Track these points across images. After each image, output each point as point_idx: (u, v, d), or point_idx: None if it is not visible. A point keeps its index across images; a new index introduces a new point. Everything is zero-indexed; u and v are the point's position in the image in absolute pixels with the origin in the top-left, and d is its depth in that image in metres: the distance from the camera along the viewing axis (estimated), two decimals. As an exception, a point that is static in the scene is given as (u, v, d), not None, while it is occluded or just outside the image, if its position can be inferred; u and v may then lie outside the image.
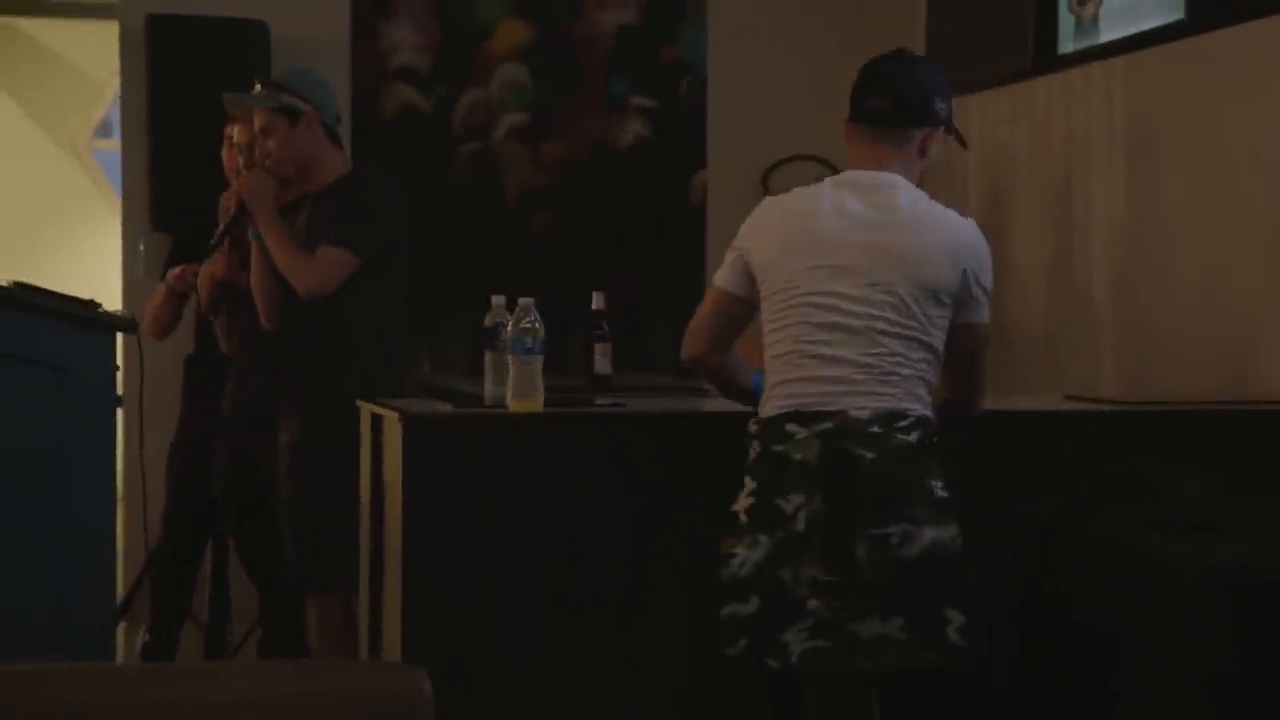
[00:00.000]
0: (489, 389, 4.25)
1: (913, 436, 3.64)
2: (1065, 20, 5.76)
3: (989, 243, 3.87)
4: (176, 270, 5.46)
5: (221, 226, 5.01)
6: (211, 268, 5.20)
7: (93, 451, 4.26)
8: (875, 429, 3.62)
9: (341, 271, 4.79)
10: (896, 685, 3.75)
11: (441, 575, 4.09)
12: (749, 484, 3.69)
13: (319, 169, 4.96)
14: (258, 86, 5.03)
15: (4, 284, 4.42)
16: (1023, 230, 5.94)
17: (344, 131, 6.34)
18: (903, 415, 3.65)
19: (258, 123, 4.96)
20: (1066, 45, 5.75)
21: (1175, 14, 5.14)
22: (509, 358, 4.12)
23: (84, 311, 4.34)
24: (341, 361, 4.83)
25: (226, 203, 5.02)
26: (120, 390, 4.54)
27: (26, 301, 4.29)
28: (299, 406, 4.88)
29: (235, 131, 5.35)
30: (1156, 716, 3.82)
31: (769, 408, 3.73)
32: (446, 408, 4.33)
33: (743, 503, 3.69)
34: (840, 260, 3.73)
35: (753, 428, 3.74)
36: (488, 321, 4.28)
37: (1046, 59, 5.82)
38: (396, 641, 4.16)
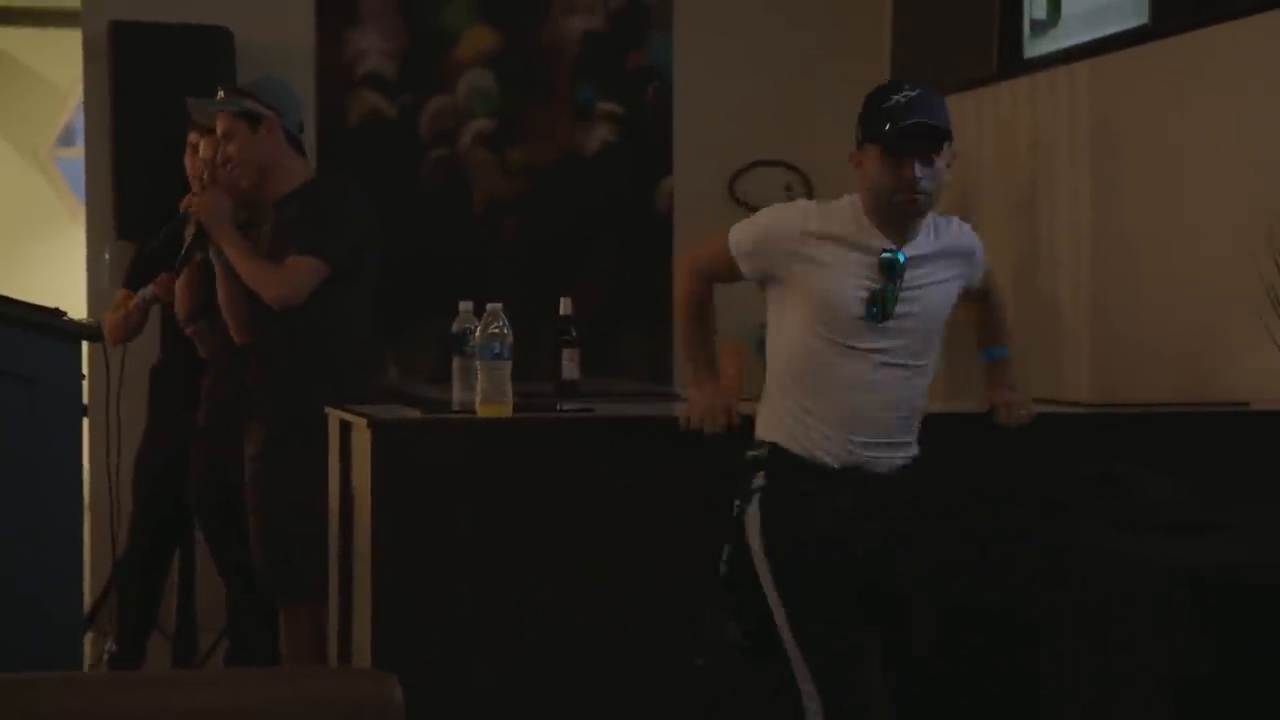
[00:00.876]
0: (457, 394, 4.25)
1: None
2: (1030, 24, 5.79)
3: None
4: (158, 282, 5.44)
5: (187, 242, 5.00)
6: (184, 280, 5.20)
7: (60, 460, 4.25)
8: None
9: (312, 279, 4.77)
10: None
11: (411, 581, 4.08)
12: None
13: (280, 175, 4.93)
14: (221, 92, 5.03)
15: (-33, 293, 4.41)
16: (989, 235, 5.93)
17: (310, 138, 6.34)
18: None
19: (220, 127, 4.95)
20: (1031, 49, 5.77)
21: (1139, 18, 5.16)
22: (477, 363, 4.12)
23: (49, 320, 4.33)
24: (310, 369, 4.82)
25: (183, 207, 5.02)
26: (86, 399, 4.52)
27: (-10, 310, 4.28)
28: (266, 414, 4.87)
29: (201, 145, 5.34)
30: (1125, 716, 3.83)
31: None
32: (415, 413, 4.32)
33: None
34: None
35: None
36: (456, 327, 4.28)
37: (1012, 63, 5.84)
38: (366, 648, 4.15)
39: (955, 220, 4.01)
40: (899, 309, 3.80)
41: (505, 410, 4.11)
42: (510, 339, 4.10)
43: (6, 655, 4.01)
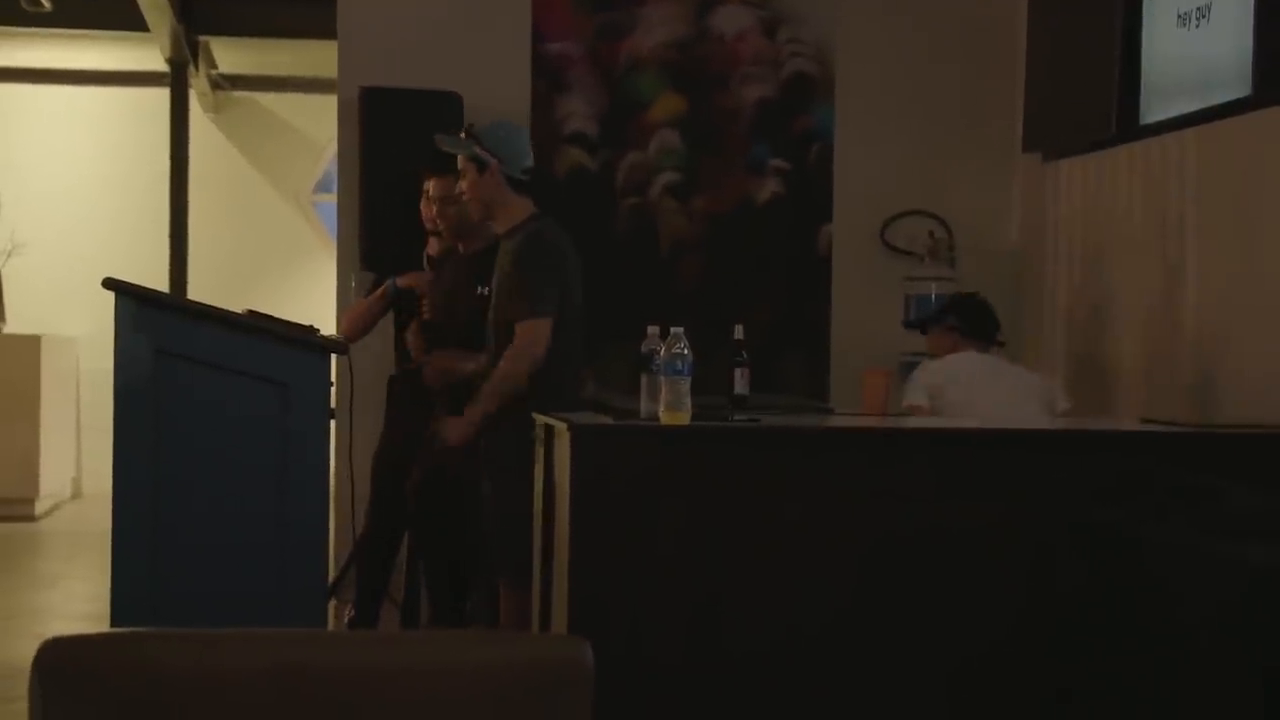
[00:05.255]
0: (644, 404, 4.24)
1: None
2: (1145, 94, 5.67)
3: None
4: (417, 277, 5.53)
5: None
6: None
7: (310, 455, 4.33)
8: None
9: (545, 338, 4.77)
10: None
11: (603, 561, 4.08)
12: None
13: (502, 212, 4.94)
14: (463, 134, 5.03)
15: (239, 312, 4.50)
16: (1116, 274, 5.84)
17: (524, 186, 6.36)
18: None
19: (460, 163, 4.98)
20: (1146, 117, 5.66)
21: (1244, 90, 5.05)
22: (662, 378, 4.12)
23: (304, 336, 4.41)
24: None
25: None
26: (332, 404, 4.59)
27: (256, 327, 4.37)
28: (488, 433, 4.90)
29: (431, 185, 5.40)
30: (1212, 705, 3.73)
31: None
32: (608, 420, 4.33)
33: None
34: None
35: None
36: (644, 347, 4.27)
37: (1129, 129, 5.73)
38: (564, 618, 4.16)
39: None
40: None
41: (684, 419, 4.10)
42: (690, 358, 4.09)
43: (264, 615, 4.08)
